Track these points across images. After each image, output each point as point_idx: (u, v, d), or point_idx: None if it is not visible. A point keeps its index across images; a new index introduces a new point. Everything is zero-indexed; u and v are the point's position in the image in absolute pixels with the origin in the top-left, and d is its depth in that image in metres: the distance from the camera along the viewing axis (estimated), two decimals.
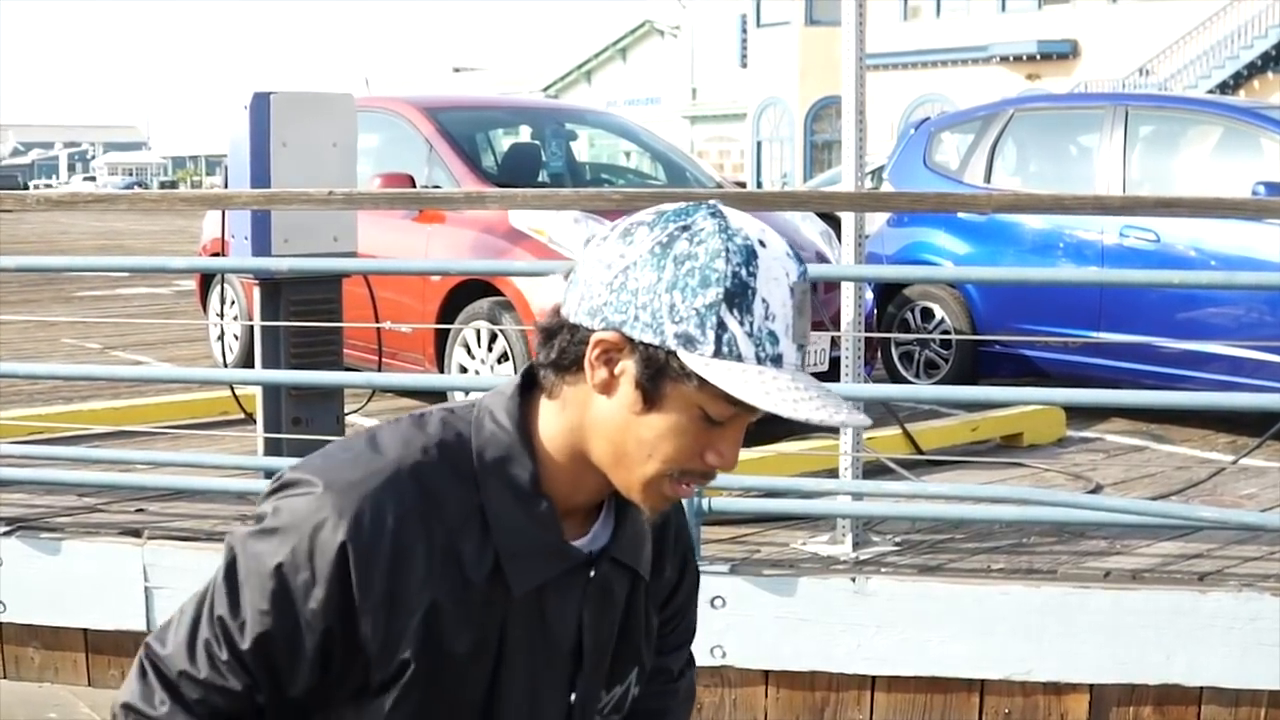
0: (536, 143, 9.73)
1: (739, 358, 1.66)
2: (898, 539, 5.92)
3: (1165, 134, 9.19)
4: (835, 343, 7.31)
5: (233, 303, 9.83)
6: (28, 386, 8.97)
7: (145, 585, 5.82)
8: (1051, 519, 5.70)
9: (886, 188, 10.10)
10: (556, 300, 1.77)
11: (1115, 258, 8.53)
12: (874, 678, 5.41)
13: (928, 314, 9.47)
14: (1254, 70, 37.51)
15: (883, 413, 7.39)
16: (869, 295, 7.96)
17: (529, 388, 1.79)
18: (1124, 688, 5.24)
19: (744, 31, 49.69)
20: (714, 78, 52.48)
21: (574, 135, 10.18)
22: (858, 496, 5.79)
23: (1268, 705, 5.15)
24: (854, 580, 5.40)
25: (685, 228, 1.68)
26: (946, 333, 9.32)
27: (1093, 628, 5.23)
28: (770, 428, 7.58)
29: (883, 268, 9.15)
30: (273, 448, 6.45)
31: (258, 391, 6.60)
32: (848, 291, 5.95)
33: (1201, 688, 5.18)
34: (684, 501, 5.44)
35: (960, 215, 9.11)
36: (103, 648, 5.99)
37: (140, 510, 6.34)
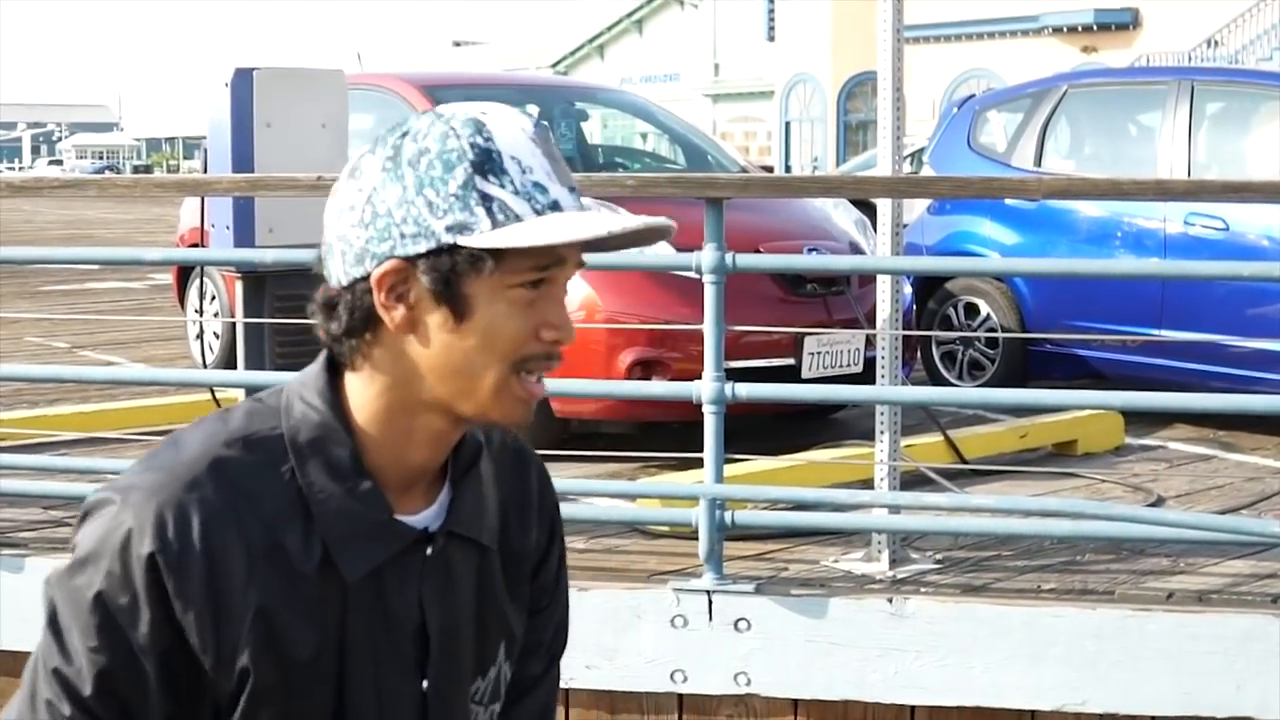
0: (544, 123, 9.74)
1: (518, 218, 1.71)
2: (939, 556, 5.92)
3: (1235, 112, 9.17)
4: (871, 342, 7.32)
5: (213, 298, 9.86)
6: None
7: None
8: (1108, 535, 5.69)
9: (927, 171, 10.09)
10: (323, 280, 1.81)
11: (1179, 248, 8.51)
12: (913, 708, 5.41)
13: (972, 310, 9.47)
14: None
15: (923, 418, 7.39)
16: (907, 289, 7.95)
17: (333, 370, 1.82)
18: None
19: (771, 2, 49.69)
20: (738, 52, 52.48)
21: (585, 115, 10.19)
22: (895, 509, 5.79)
23: None
24: (891, 601, 5.40)
25: (404, 134, 1.74)
26: (993, 330, 9.31)
27: (1154, 654, 5.22)
28: (799, 437, 7.59)
29: (923, 259, 9.15)
30: None
31: (240, 394, 6.61)
32: (884, 285, 5.95)
33: None
34: (703, 514, 5.42)
35: (1008, 202, 9.10)
36: None
37: None
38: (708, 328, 5.52)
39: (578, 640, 5.56)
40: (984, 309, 9.39)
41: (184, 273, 10.83)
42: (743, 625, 5.45)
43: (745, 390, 5.59)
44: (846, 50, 43.48)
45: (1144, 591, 5.49)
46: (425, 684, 1.85)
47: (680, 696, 5.56)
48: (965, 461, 7.18)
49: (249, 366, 6.48)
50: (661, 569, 5.75)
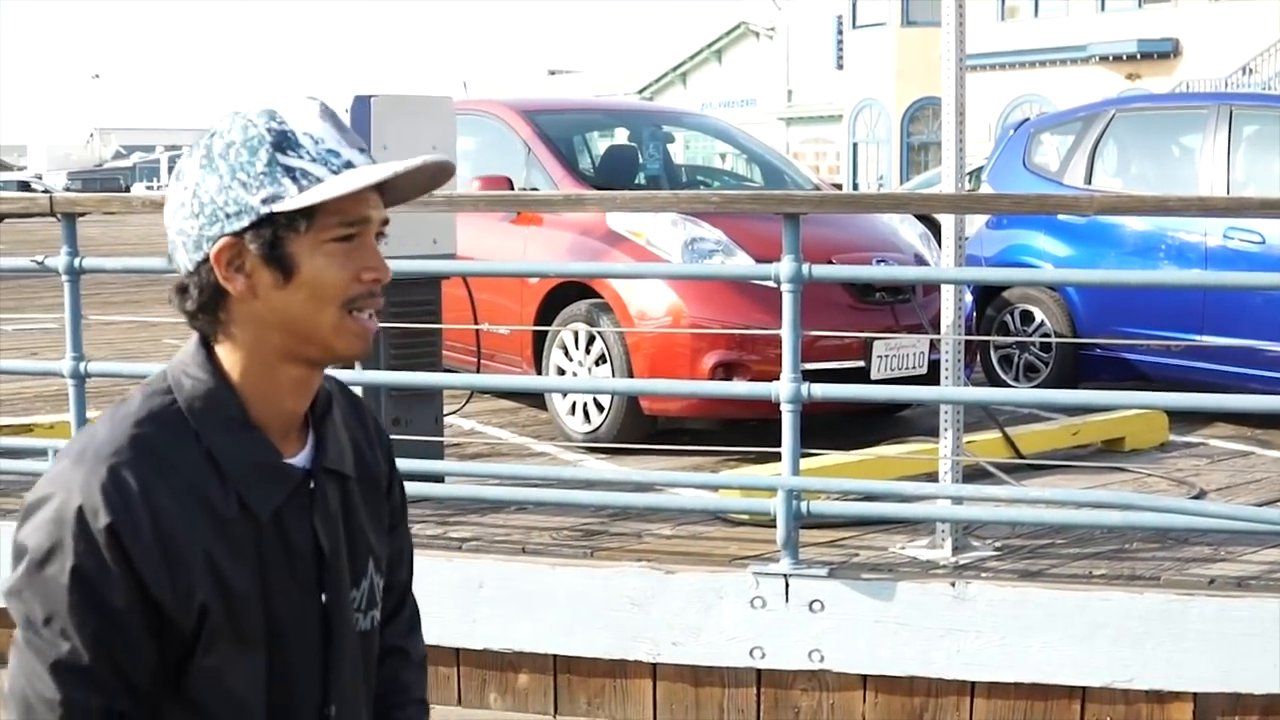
0: (634, 145, 9.73)
1: (318, 180, 1.85)
2: (997, 544, 5.87)
3: (1269, 134, 9.04)
4: (934, 346, 7.27)
5: None
6: (131, 386, 9.08)
7: None
8: (1154, 525, 5.62)
9: (985, 189, 10.01)
10: (174, 281, 1.94)
11: (1219, 260, 8.41)
12: (973, 683, 5.37)
13: (1027, 317, 9.39)
14: None
15: (982, 416, 7.34)
16: (968, 298, 7.89)
17: (206, 346, 1.94)
18: (1229, 697, 5.16)
19: (839, 33, 49.46)
20: (809, 79, 52.28)
21: (671, 138, 10.16)
22: (958, 500, 5.75)
23: None
24: (954, 585, 5.36)
25: (211, 134, 1.89)
26: (1046, 336, 9.24)
27: (1197, 635, 5.16)
28: (867, 433, 7.55)
29: (983, 270, 9.08)
30: None
31: (358, 392, 6.63)
32: (948, 294, 5.90)
33: None
34: (781, 504, 5.39)
35: (1060, 217, 9.02)
36: None
37: None
38: (786, 333, 5.50)
39: (665, 618, 5.59)
40: (1039, 316, 9.31)
41: None
42: (816, 606, 5.42)
43: (820, 390, 5.56)
44: (909, 77, 43.23)
45: (1188, 577, 5.42)
46: (324, 598, 1.98)
47: (759, 671, 5.54)
48: (1022, 457, 7.13)
49: (364, 366, 6.50)
50: (741, 554, 5.73)
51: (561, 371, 7.98)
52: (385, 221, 1.93)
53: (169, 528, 1.82)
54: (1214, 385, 8.27)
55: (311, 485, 1.97)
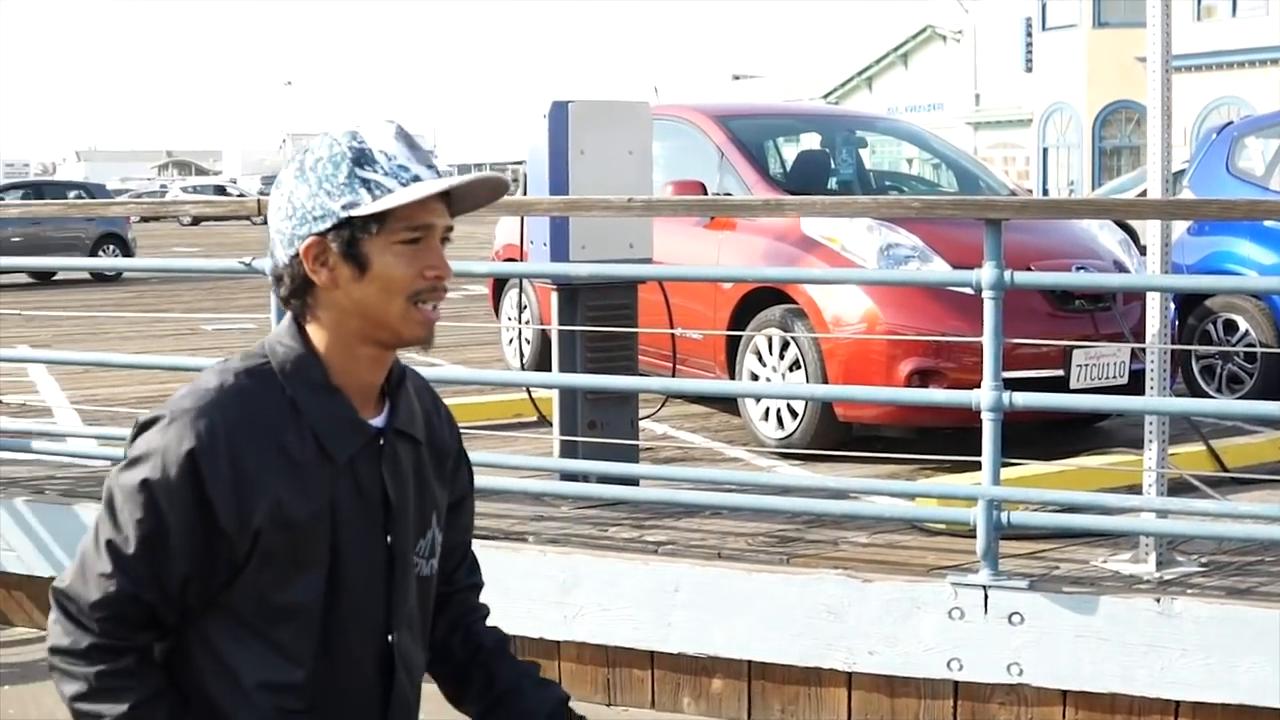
0: (826, 150, 9.69)
1: (389, 191, 2.17)
2: (1204, 559, 5.73)
3: None
4: (1135, 355, 7.13)
5: (525, 307, 10.02)
6: None
7: None
8: None
9: (1185, 194, 9.78)
10: (272, 271, 2.26)
11: None
12: (1178, 703, 5.24)
13: (1231, 326, 9.17)
14: None
15: (1184, 428, 7.17)
16: (1170, 306, 7.72)
17: (297, 324, 2.26)
18: None
19: (1028, 35, 48.76)
20: (998, 83, 51.61)
21: (863, 142, 10.09)
22: (1163, 514, 5.62)
23: None
24: (1159, 601, 5.24)
25: (304, 150, 2.24)
26: (1251, 346, 9.00)
27: None
28: (1064, 444, 7.41)
29: (1188, 278, 8.86)
30: (568, 450, 6.55)
31: (554, 395, 6.70)
32: (1153, 302, 5.78)
33: None
34: (981, 514, 5.34)
35: (1266, 223, 8.78)
36: None
37: None
38: (987, 340, 5.42)
39: (861, 627, 5.54)
40: (1243, 325, 9.08)
41: (498, 284, 11.03)
42: (1016, 619, 5.34)
43: (1021, 399, 5.48)
44: (1101, 80, 42.47)
45: None
46: (389, 539, 2.29)
47: (956, 683, 5.47)
48: (1227, 470, 6.95)
49: (563, 369, 6.55)
50: (939, 564, 5.66)
51: (755, 377, 7.97)
52: (449, 228, 2.24)
53: (243, 462, 2.15)
54: None
55: (382, 442, 2.28)
